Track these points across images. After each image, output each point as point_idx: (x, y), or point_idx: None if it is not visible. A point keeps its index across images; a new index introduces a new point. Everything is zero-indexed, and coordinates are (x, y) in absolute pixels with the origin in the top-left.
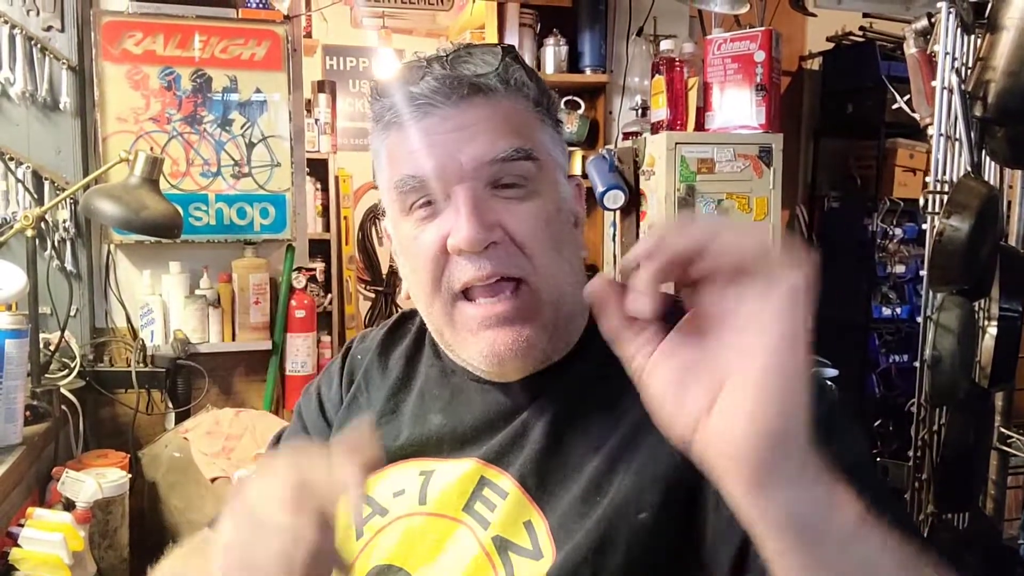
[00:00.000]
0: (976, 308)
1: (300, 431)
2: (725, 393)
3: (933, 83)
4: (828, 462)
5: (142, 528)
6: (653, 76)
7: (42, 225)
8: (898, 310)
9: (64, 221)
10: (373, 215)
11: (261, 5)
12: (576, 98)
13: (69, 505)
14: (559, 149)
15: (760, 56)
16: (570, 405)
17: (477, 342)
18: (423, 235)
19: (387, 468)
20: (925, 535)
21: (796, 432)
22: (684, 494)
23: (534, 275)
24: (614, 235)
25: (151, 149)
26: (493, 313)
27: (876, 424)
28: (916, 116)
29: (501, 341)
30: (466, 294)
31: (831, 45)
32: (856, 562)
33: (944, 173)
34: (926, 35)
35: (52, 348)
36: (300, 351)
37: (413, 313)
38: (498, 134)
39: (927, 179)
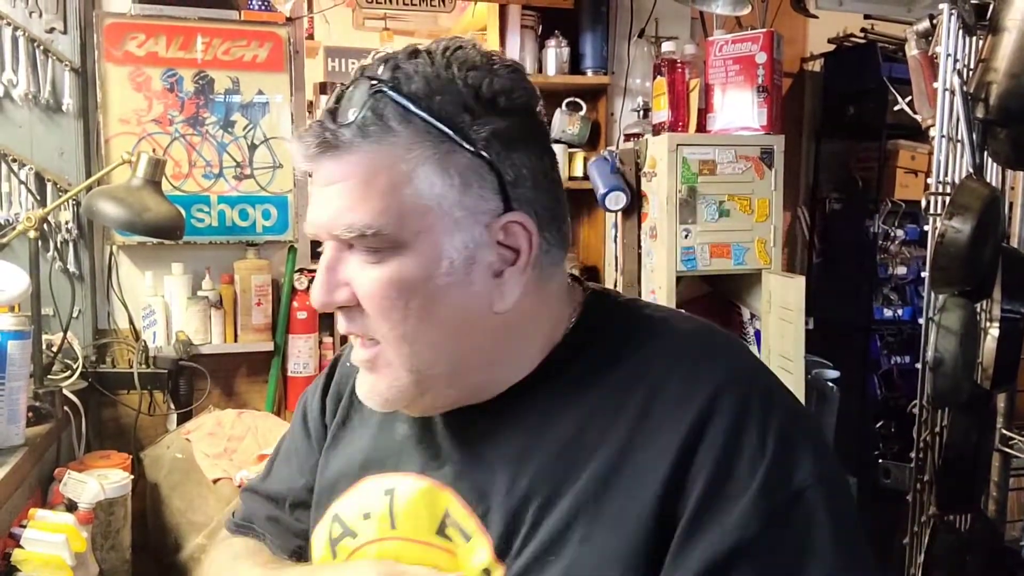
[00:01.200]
0: (978, 310)
1: (297, 432)
2: None
3: (935, 84)
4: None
5: (144, 529)
6: (655, 78)
7: (45, 227)
8: (900, 312)
9: (67, 222)
10: None
11: (263, 7)
12: (578, 100)
13: (71, 506)
14: (458, 191)
15: (761, 58)
16: (532, 438)
17: (357, 380)
18: None
19: (356, 484)
20: (927, 537)
21: None
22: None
23: (384, 337)
24: (615, 236)
25: (153, 151)
26: (358, 357)
27: (878, 426)
28: (918, 118)
29: (361, 385)
30: None
31: (832, 47)
32: None
33: (946, 175)
34: (928, 37)
35: (54, 349)
36: (302, 352)
37: None
38: (347, 203)
39: (929, 180)
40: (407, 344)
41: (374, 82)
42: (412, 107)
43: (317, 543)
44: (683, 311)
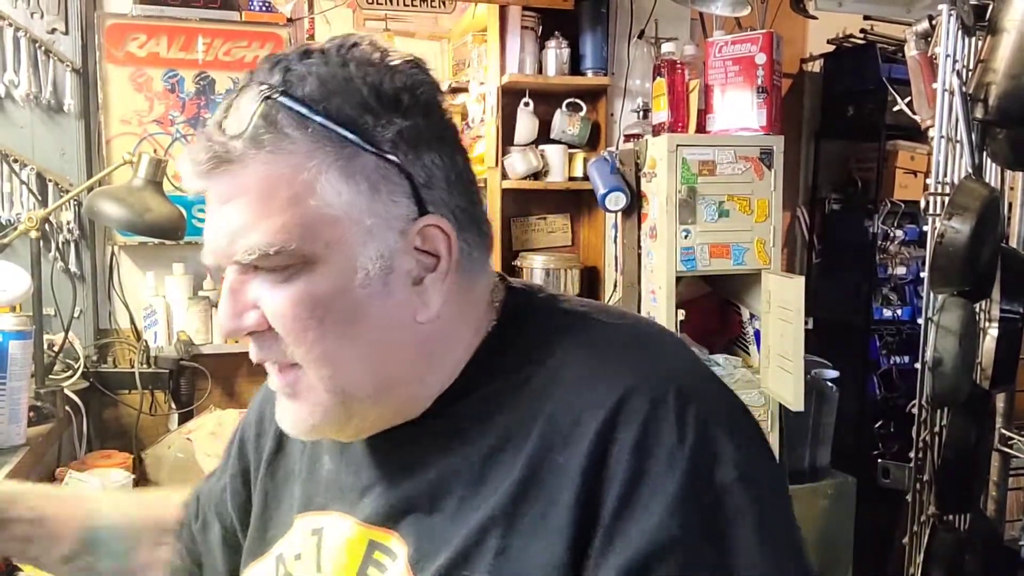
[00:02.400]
0: (977, 310)
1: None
2: None
3: (934, 85)
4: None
5: None
6: (654, 78)
7: (46, 227)
8: (899, 312)
9: (68, 223)
10: None
11: (264, 8)
12: (578, 100)
13: None
14: (367, 198)
15: (761, 58)
16: (454, 455)
17: (277, 410)
18: None
19: (293, 524)
20: (927, 537)
21: None
22: None
23: (302, 360)
24: (615, 237)
25: (154, 151)
26: (277, 385)
27: (877, 426)
28: (917, 118)
29: (284, 414)
30: None
31: (832, 47)
32: None
33: (945, 175)
34: (927, 37)
35: (56, 349)
36: None
37: None
38: (245, 221)
39: (928, 181)
40: (328, 365)
41: (263, 87)
42: (307, 111)
43: None
44: (610, 305)
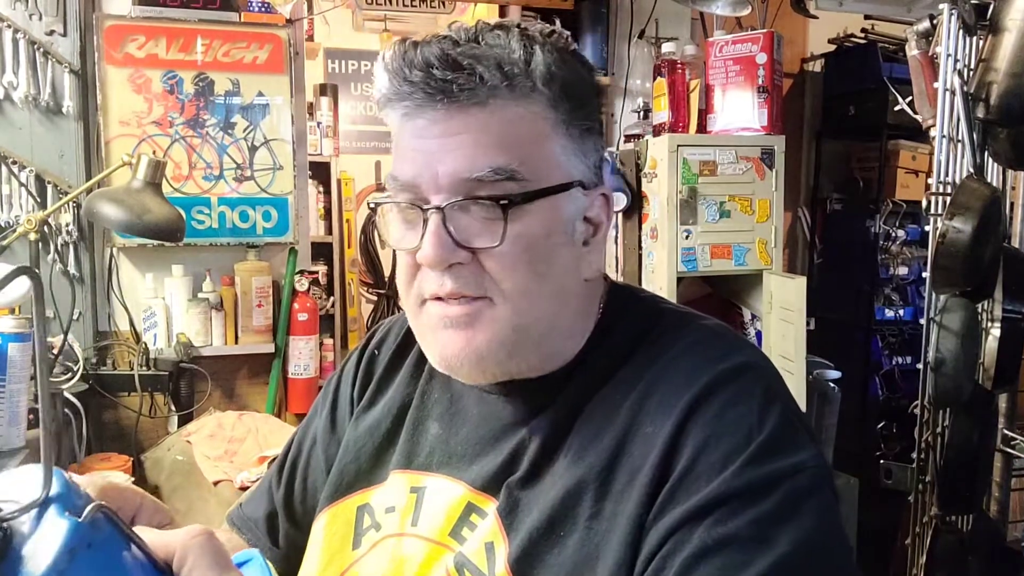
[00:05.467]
0: (979, 310)
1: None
2: None
3: (935, 85)
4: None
5: None
6: (655, 78)
7: (45, 229)
8: (901, 312)
9: (67, 224)
10: (375, 218)
11: (263, 8)
12: None
13: None
14: (578, 158)
15: (762, 58)
16: (560, 426)
17: (432, 342)
18: (402, 240)
19: (387, 479)
20: (929, 538)
21: None
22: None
23: (498, 296)
24: (616, 237)
25: (153, 152)
26: (448, 315)
27: (879, 426)
28: (918, 118)
29: (451, 343)
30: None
31: (833, 47)
32: None
33: (947, 175)
34: (928, 37)
35: (55, 351)
36: (303, 354)
37: None
38: (482, 148)
39: (929, 181)
40: (525, 299)
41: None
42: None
43: (333, 521)
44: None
